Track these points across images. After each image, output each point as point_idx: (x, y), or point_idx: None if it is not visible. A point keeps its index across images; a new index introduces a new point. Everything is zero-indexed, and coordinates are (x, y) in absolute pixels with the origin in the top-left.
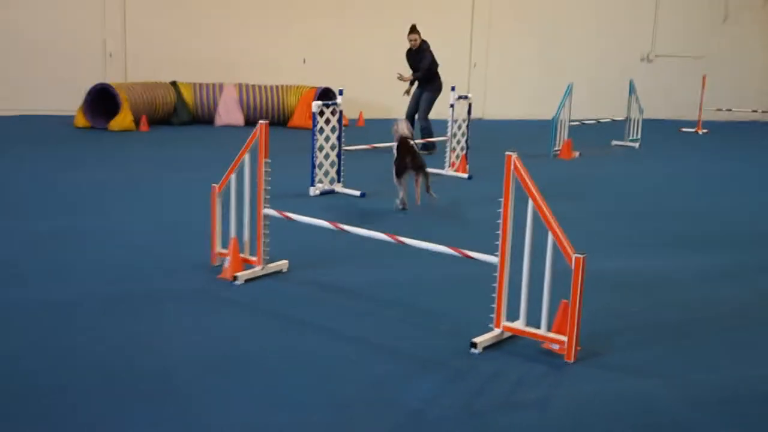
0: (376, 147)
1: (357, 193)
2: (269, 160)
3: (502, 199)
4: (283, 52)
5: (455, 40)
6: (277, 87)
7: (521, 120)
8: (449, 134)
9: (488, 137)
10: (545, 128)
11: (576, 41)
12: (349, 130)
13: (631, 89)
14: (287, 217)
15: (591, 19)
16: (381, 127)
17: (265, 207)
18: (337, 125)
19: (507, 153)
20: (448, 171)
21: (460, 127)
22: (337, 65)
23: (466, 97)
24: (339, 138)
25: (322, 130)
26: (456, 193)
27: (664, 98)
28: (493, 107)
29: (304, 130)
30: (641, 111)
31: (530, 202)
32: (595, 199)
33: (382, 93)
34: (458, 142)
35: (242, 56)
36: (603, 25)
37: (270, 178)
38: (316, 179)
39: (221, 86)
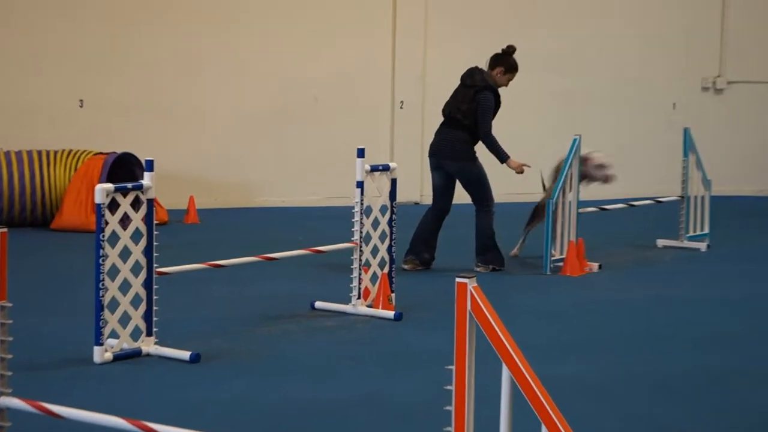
0: (220, 265)
1: (185, 355)
2: (8, 304)
3: (453, 367)
4: (48, 93)
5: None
6: (32, 154)
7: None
8: (357, 235)
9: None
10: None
11: (587, 67)
12: (168, 232)
13: (688, 144)
14: (48, 412)
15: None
16: (241, 223)
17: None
18: (143, 226)
19: (458, 278)
20: (357, 308)
21: (375, 223)
22: (148, 112)
23: (387, 168)
24: (148, 252)
25: (114, 236)
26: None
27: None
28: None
29: (84, 234)
30: (707, 184)
31: (504, 370)
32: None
33: (239, 160)
34: (374, 251)
35: None
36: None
37: (11, 338)
38: (105, 333)
39: None
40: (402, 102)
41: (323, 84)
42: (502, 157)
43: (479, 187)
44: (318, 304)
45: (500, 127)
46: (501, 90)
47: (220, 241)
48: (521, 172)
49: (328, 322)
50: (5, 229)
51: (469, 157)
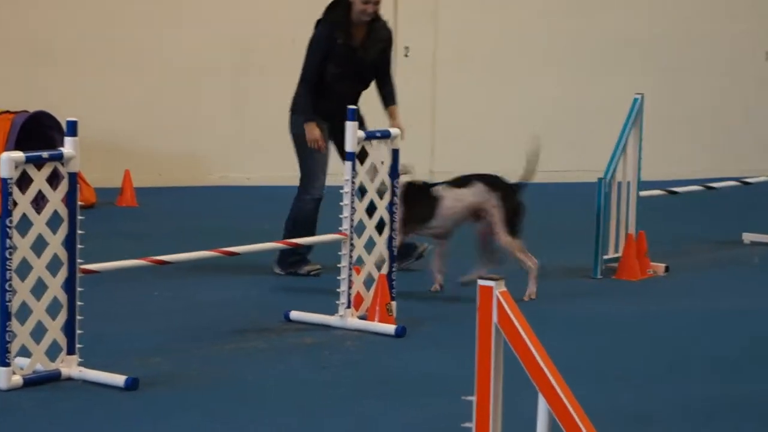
0: (164, 261)
1: (118, 380)
2: None
3: (473, 398)
4: None
5: None
6: None
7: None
8: (347, 224)
9: None
10: (577, 202)
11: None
12: (97, 217)
13: None
14: None
15: None
16: (192, 206)
17: None
18: (64, 209)
19: (481, 280)
20: (345, 320)
21: (371, 208)
22: (69, 58)
23: (386, 135)
24: (70, 243)
25: (25, 221)
26: (375, 370)
27: None
28: (451, 154)
29: None
30: None
31: (540, 400)
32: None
33: (189, 124)
34: (369, 246)
35: None
36: None
37: None
38: (12, 351)
39: None
40: (407, 48)
41: (302, 22)
42: (304, 116)
43: (298, 157)
44: (294, 314)
45: (552, 76)
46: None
47: (164, 229)
48: (314, 146)
49: (307, 338)
50: None
51: (294, 113)
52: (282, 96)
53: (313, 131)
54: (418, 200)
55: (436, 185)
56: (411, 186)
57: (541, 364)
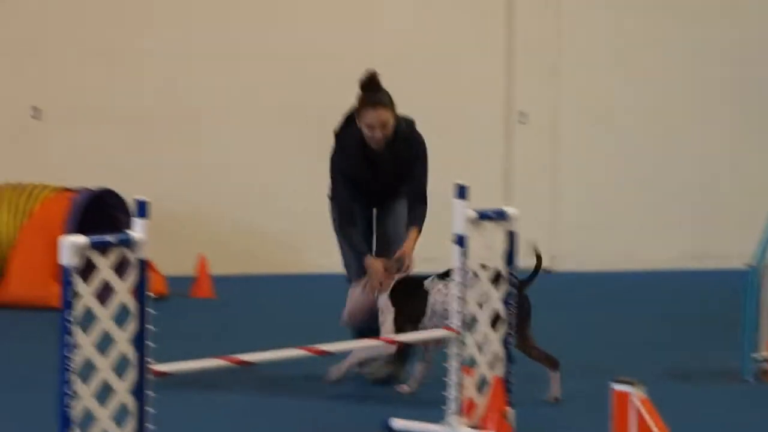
0: (246, 362)
1: None
2: None
3: None
4: None
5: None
6: None
7: (635, 273)
8: (457, 319)
9: (559, 326)
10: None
11: None
12: (169, 311)
13: None
14: None
15: None
16: (278, 298)
17: None
18: (133, 302)
19: (615, 383)
20: (454, 429)
21: (484, 300)
22: (137, 122)
23: (502, 215)
24: (140, 341)
25: (89, 316)
26: None
27: None
28: (573, 244)
29: (41, 312)
30: None
31: None
32: None
33: (277, 200)
34: (483, 344)
35: None
36: None
37: None
38: None
39: None
40: (522, 114)
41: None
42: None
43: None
44: (396, 423)
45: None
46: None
47: (245, 324)
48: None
49: None
50: None
51: (332, 200)
52: None
53: (373, 265)
54: (409, 295)
55: (426, 278)
56: (402, 281)
57: None
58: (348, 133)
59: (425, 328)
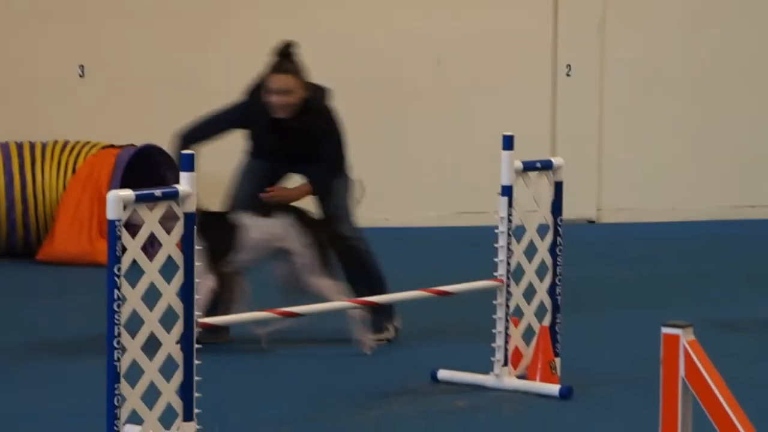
0: (292, 313)
1: None
2: None
3: None
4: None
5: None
6: (7, 149)
7: (693, 222)
8: (503, 269)
9: (605, 278)
10: None
11: None
12: None
13: None
14: None
15: None
16: None
17: None
18: (180, 255)
19: (665, 328)
20: (501, 380)
21: (531, 250)
22: (181, 85)
23: (548, 165)
24: (187, 293)
25: (136, 269)
26: None
27: None
28: (618, 191)
29: (87, 268)
30: None
31: None
32: None
33: None
34: (529, 294)
35: None
36: None
37: None
38: (121, 416)
39: None
40: (569, 66)
41: (448, 42)
42: None
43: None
44: (442, 373)
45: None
46: None
47: None
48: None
49: (458, 400)
50: None
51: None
52: (426, 125)
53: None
54: (217, 231)
55: (234, 213)
56: (207, 215)
57: (738, 426)
58: (257, 98)
59: (235, 263)
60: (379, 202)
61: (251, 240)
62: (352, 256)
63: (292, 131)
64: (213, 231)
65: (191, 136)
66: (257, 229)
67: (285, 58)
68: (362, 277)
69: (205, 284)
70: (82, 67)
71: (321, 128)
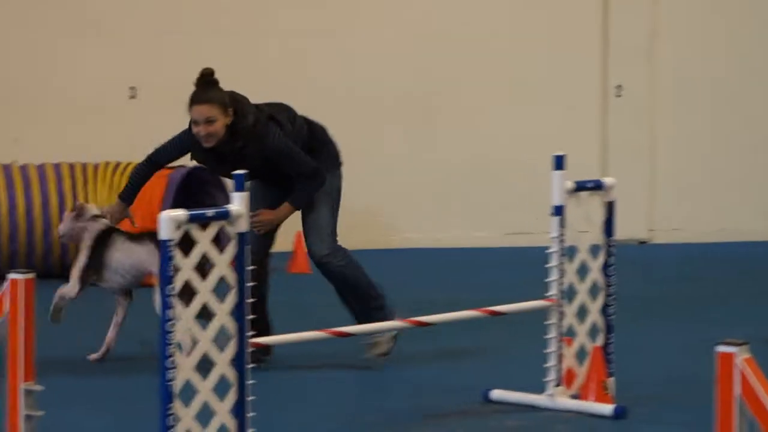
0: (346, 333)
1: None
2: (37, 387)
3: None
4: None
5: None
6: (59, 170)
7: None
8: (555, 289)
9: (656, 297)
10: None
11: None
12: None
13: None
14: None
15: None
16: (371, 272)
17: None
18: (233, 275)
19: (720, 347)
20: (555, 400)
21: (583, 270)
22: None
23: (599, 186)
24: (240, 313)
25: (188, 289)
26: None
27: None
28: (669, 212)
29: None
30: None
31: None
32: None
33: (366, 178)
34: (581, 314)
35: None
36: None
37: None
38: None
39: None
40: (619, 86)
41: (490, 54)
42: None
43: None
44: (495, 393)
45: None
46: None
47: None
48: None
49: (510, 420)
50: (32, 275)
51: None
52: (473, 135)
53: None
54: (99, 245)
55: (117, 231)
56: (103, 232)
57: None
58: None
59: (104, 281)
60: (429, 221)
61: (114, 262)
62: (332, 276)
63: (234, 156)
64: (97, 244)
65: (153, 159)
66: (123, 252)
67: (205, 87)
68: (348, 292)
69: (65, 288)
70: (133, 88)
71: (261, 150)
